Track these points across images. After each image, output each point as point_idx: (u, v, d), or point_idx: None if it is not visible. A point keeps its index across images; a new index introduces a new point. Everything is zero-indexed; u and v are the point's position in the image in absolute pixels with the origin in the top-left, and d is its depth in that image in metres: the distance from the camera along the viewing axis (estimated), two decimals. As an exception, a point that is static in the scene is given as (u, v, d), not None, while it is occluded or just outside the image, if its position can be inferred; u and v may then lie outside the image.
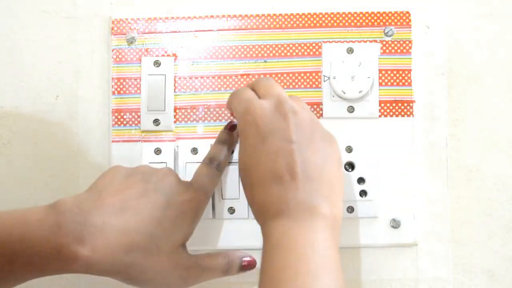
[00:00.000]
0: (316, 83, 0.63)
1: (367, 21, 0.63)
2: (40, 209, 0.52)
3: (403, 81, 0.63)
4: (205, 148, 0.62)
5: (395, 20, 0.63)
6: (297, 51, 0.63)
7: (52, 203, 0.53)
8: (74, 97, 0.64)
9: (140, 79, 0.63)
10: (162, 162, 0.62)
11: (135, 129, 0.63)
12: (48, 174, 0.64)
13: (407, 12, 0.63)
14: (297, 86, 0.63)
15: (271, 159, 0.51)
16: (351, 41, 0.63)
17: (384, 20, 0.63)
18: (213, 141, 0.62)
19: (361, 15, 0.63)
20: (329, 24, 0.63)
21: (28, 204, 0.62)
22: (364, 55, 0.63)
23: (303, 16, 0.63)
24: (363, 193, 0.62)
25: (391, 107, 0.63)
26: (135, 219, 0.53)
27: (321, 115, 0.63)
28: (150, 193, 0.55)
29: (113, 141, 0.63)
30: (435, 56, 0.63)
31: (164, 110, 0.63)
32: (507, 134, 0.63)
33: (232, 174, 0.62)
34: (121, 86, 0.63)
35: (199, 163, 0.60)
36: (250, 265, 0.59)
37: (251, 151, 0.53)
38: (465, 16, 0.64)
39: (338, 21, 0.63)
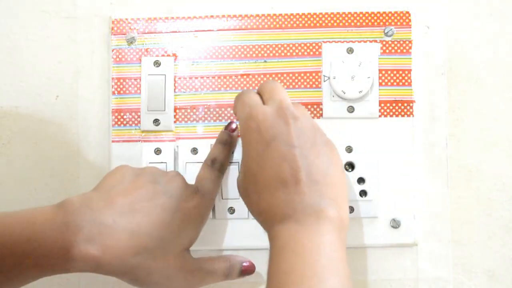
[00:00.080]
0: (316, 83, 0.63)
1: (367, 21, 0.63)
2: (47, 209, 0.52)
3: (403, 81, 0.63)
4: (205, 148, 0.62)
5: (395, 20, 0.63)
6: (297, 51, 0.63)
7: (59, 203, 0.53)
8: (74, 97, 0.64)
9: (140, 79, 0.63)
10: (162, 162, 0.62)
11: (135, 129, 0.63)
12: (48, 174, 0.64)
13: (407, 12, 0.63)
14: (297, 86, 0.63)
15: (276, 164, 0.51)
16: (351, 41, 0.63)
17: (384, 20, 0.63)
18: (213, 141, 0.62)
19: (361, 15, 0.63)
20: (329, 24, 0.63)
21: (28, 204, 0.62)
22: (364, 55, 0.63)
23: (303, 16, 0.63)
24: (363, 193, 0.62)
25: (391, 107, 0.63)
26: (145, 221, 0.53)
27: (321, 115, 0.63)
28: (159, 195, 0.55)
29: (113, 141, 0.63)
30: (435, 56, 0.63)
31: (164, 110, 0.63)
32: (507, 134, 0.63)
33: (232, 174, 0.62)
34: (121, 86, 0.63)
35: (199, 163, 0.60)
36: (249, 270, 0.60)
37: (256, 156, 0.53)
38: (465, 16, 0.64)
39: (338, 21, 0.63)
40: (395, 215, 0.62)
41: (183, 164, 0.62)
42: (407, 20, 0.63)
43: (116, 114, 0.63)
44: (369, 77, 0.62)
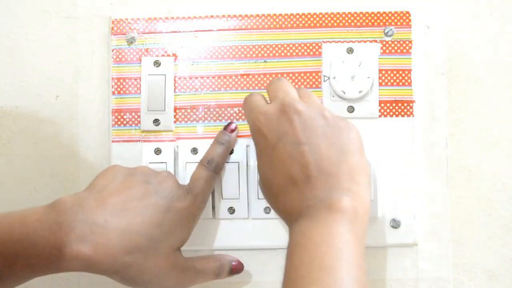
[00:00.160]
0: (316, 83, 0.63)
1: (367, 21, 0.63)
2: (39, 209, 0.53)
3: (403, 81, 0.63)
4: (205, 148, 0.62)
5: (395, 20, 0.63)
6: (297, 51, 0.63)
7: (51, 203, 0.53)
8: (74, 97, 0.64)
9: (140, 79, 0.63)
10: (162, 162, 0.62)
11: (135, 129, 0.63)
12: (48, 174, 0.64)
13: (407, 12, 0.63)
14: (297, 86, 0.63)
15: (285, 165, 0.51)
16: (351, 41, 0.63)
17: (384, 20, 0.63)
18: (213, 141, 0.62)
19: (361, 15, 0.63)
20: (329, 24, 0.63)
21: (28, 204, 0.62)
22: (364, 55, 0.63)
23: (303, 16, 0.63)
24: (363, 193, 0.62)
25: (391, 107, 0.63)
26: (136, 221, 0.53)
27: (321, 115, 0.63)
28: (151, 195, 0.55)
29: (113, 141, 0.63)
30: (435, 56, 0.63)
31: (164, 110, 0.63)
32: (507, 134, 0.63)
33: (232, 174, 0.62)
34: (121, 86, 0.63)
35: (199, 163, 0.60)
36: (237, 269, 0.60)
37: (266, 160, 0.53)
38: (465, 16, 0.64)
39: (338, 21, 0.63)
40: (395, 215, 0.62)
41: (183, 164, 0.62)
42: (407, 20, 0.63)
43: (116, 114, 0.63)
44: (369, 77, 0.62)
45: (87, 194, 0.54)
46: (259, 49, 0.63)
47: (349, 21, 0.63)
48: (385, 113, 0.63)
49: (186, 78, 0.63)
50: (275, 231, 0.62)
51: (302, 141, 0.51)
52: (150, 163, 0.62)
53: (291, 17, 0.63)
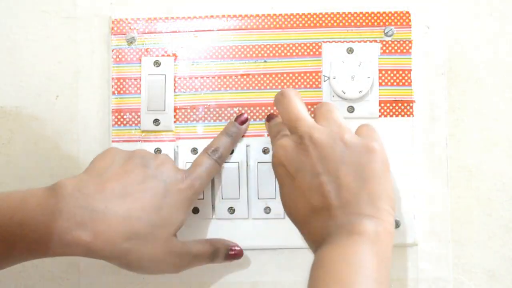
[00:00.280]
0: (316, 83, 0.63)
1: (367, 21, 0.63)
2: (39, 192, 0.52)
3: (403, 81, 0.63)
4: (205, 148, 0.62)
5: (395, 20, 0.63)
6: (297, 51, 0.63)
7: (51, 186, 0.53)
8: (74, 97, 0.64)
9: (140, 79, 0.63)
10: (162, 162, 0.62)
11: (135, 129, 0.63)
12: (48, 174, 0.64)
13: (407, 12, 0.63)
14: (297, 86, 0.63)
15: (305, 196, 0.52)
16: (351, 41, 0.63)
17: (384, 20, 0.63)
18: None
19: (361, 15, 0.63)
20: (329, 24, 0.63)
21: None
22: (364, 55, 0.63)
23: (303, 16, 0.63)
24: (363, 193, 0.62)
25: (391, 107, 0.63)
26: (136, 206, 0.53)
27: (321, 115, 0.63)
28: (150, 179, 0.55)
29: (113, 141, 0.63)
30: (435, 56, 0.63)
31: (164, 110, 0.63)
32: (507, 134, 0.63)
33: (232, 174, 0.62)
34: (121, 86, 0.63)
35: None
36: (236, 255, 0.60)
37: (287, 191, 0.54)
38: (465, 16, 0.64)
39: (338, 21, 0.63)
40: (395, 215, 0.62)
41: (183, 164, 0.62)
42: (407, 20, 0.63)
43: (116, 114, 0.63)
44: (369, 77, 0.62)
45: (87, 178, 0.54)
46: (259, 49, 0.63)
47: (349, 21, 0.63)
48: (385, 113, 0.63)
49: (186, 78, 0.63)
50: (275, 231, 0.62)
51: (319, 171, 0.52)
52: (150, 163, 0.62)
53: (291, 17, 0.63)
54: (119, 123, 0.63)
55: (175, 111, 0.63)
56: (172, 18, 0.64)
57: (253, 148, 0.62)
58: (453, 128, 0.63)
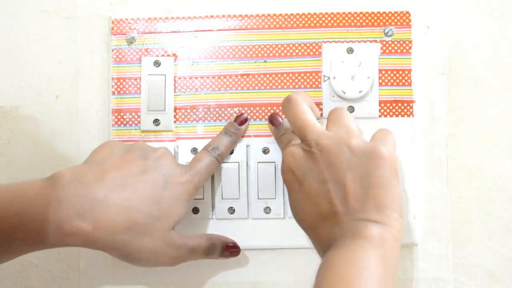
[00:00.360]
0: (316, 83, 0.63)
1: (367, 21, 0.63)
2: (38, 183, 0.52)
3: (403, 81, 0.63)
4: (205, 148, 0.62)
5: (395, 20, 0.63)
6: (297, 51, 0.63)
7: (49, 176, 0.53)
8: (74, 97, 0.64)
9: (140, 79, 0.63)
10: (162, 162, 0.62)
11: (135, 129, 0.63)
12: (48, 174, 0.63)
13: (407, 12, 0.63)
14: (297, 86, 0.63)
15: (313, 203, 0.53)
16: (351, 41, 0.63)
17: (384, 20, 0.63)
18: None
19: (361, 15, 0.63)
20: (329, 24, 0.63)
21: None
22: (364, 55, 0.63)
23: (303, 16, 0.63)
24: (363, 193, 0.62)
25: (391, 107, 0.63)
26: (136, 197, 0.53)
27: (321, 115, 0.63)
28: (150, 171, 0.55)
29: (113, 141, 0.63)
30: (435, 56, 0.63)
31: (164, 110, 0.63)
32: (507, 134, 0.63)
33: (232, 174, 0.62)
34: (121, 86, 0.63)
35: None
36: (233, 252, 0.60)
37: (295, 197, 0.54)
38: (465, 16, 0.64)
39: (338, 21, 0.63)
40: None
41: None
42: (407, 20, 0.63)
43: (116, 114, 0.63)
44: (369, 77, 0.62)
45: (86, 168, 0.54)
46: (259, 49, 0.63)
47: (349, 21, 0.63)
48: (385, 113, 0.63)
49: (186, 78, 0.63)
50: (275, 231, 0.62)
51: (326, 178, 0.52)
52: (150, 163, 0.62)
53: (291, 17, 0.63)
54: (119, 123, 0.63)
55: (175, 111, 0.63)
56: (172, 18, 0.64)
57: (253, 148, 0.62)
58: (453, 128, 0.63)
